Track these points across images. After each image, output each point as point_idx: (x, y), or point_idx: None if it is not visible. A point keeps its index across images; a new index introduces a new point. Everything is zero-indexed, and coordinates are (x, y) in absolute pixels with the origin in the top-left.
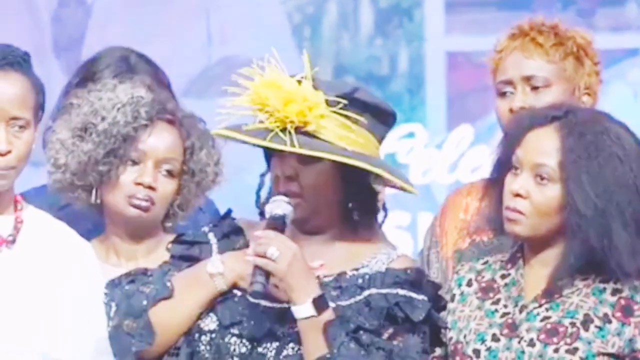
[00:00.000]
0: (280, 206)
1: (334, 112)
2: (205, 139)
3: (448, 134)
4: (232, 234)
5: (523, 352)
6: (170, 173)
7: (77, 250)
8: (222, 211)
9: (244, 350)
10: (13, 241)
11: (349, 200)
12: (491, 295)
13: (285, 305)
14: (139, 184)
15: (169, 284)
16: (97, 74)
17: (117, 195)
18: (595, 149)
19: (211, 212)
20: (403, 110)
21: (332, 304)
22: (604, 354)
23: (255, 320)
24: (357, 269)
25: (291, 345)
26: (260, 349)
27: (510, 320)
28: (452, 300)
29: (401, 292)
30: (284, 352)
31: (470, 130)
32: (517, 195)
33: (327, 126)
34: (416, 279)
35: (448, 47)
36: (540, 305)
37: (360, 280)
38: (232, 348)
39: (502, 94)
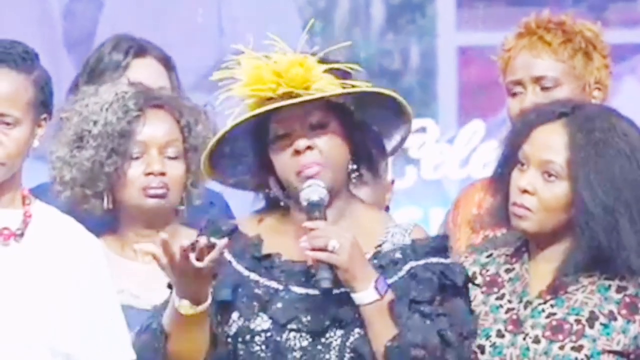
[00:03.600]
0: (316, 191)
1: (327, 70)
2: (197, 114)
3: (459, 129)
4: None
5: (528, 348)
6: (175, 156)
7: (85, 245)
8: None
9: (305, 343)
10: (22, 235)
11: (355, 161)
12: (495, 290)
13: (342, 290)
14: (149, 173)
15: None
16: (106, 57)
17: (131, 191)
18: (603, 146)
19: (221, 205)
20: (414, 105)
21: None
22: (609, 352)
23: (313, 312)
24: (380, 245)
25: (357, 330)
26: (323, 340)
27: (514, 316)
28: None
29: (436, 259)
30: (351, 339)
31: (481, 125)
32: (525, 191)
33: (327, 83)
34: (442, 245)
35: (459, 42)
36: (545, 302)
37: (392, 255)
38: (292, 343)
39: (513, 94)
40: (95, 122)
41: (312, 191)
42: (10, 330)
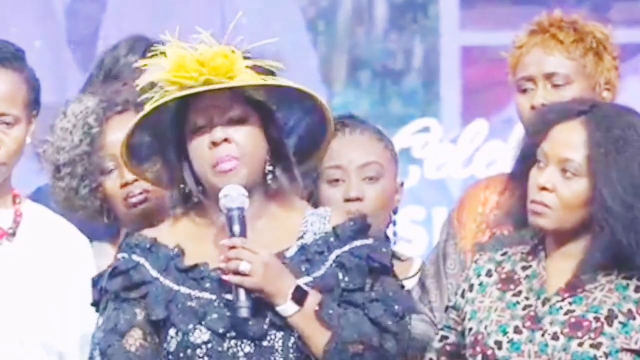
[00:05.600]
0: (236, 199)
1: (249, 66)
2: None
3: (463, 129)
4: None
5: (546, 345)
6: None
7: (76, 244)
8: None
9: (247, 349)
10: (14, 234)
11: (272, 162)
12: (512, 286)
13: None
14: (124, 184)
15: None
16: (122, 59)
17: (115, 203)
18: (623, 144)
19: None
20: (418, 104)
21: (309, 278)
22: (627, 350)
23: (250, 319)
24: (301, 237)
25: (296, 331)
26: (265, 343)
27: (532, 313)
28: (471, 289)
29: (360, 242)
30: (292, 339)
31: (484, 125)
32: (543, 188)
33: (249, 77)
34: (363, 226)
35: (463, 42)
36: (563, 299)
37: (316, 247)
38: (234, 351)
39: (523, 91)
40: (63, 149)
41: (232, 199)
42: (4, 328)
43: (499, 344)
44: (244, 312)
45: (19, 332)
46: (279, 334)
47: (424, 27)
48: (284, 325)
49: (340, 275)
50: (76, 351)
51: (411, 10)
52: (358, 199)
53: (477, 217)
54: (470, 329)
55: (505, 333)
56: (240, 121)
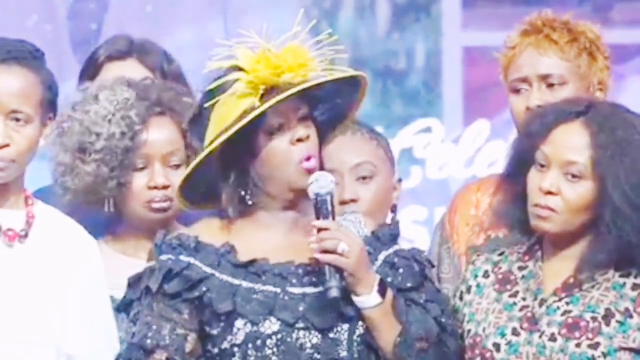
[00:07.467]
0: (327, 185)
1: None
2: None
3: (464, 129)
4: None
5: (544, 346)
6: (178, 164)
7: (86, 246)
8: None
9: (315, 340)
10: (25, 236)
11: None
12: (509, 287)
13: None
14: (152, 187)
15: None
16: (100, 59)
17: (135, 203)
18: (627, 145)
19: None
20: (420, 105)
21: None
22: (625, 349)
23: (317, 310)
24: None
25: (360, 323)
26: (332, 335)
27: (529, 314)
28: (468, 291)
29: (398, 246)
30: (357, 332)
31: (486, 125)
32: (548, 192)
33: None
34: (398, 232)
35: (465, 42)
36: (560, 299)
37: None
38: (302, 342)
39: (517, 91)
40: (97, 135)
41: (322, 185)
42: (16, 330)
43: (497, 346)
44: (334, 292)
45: (29, 333)
46: (345, 326)
47: (426, 28)
48: (351, 317)
49: (392, 274)
50: (86, 353)
51: (413, 10)
52: (353, 201)
53: (469, 219)
54: (469, 331)
55: (503, 335)
56: (307, 119)
